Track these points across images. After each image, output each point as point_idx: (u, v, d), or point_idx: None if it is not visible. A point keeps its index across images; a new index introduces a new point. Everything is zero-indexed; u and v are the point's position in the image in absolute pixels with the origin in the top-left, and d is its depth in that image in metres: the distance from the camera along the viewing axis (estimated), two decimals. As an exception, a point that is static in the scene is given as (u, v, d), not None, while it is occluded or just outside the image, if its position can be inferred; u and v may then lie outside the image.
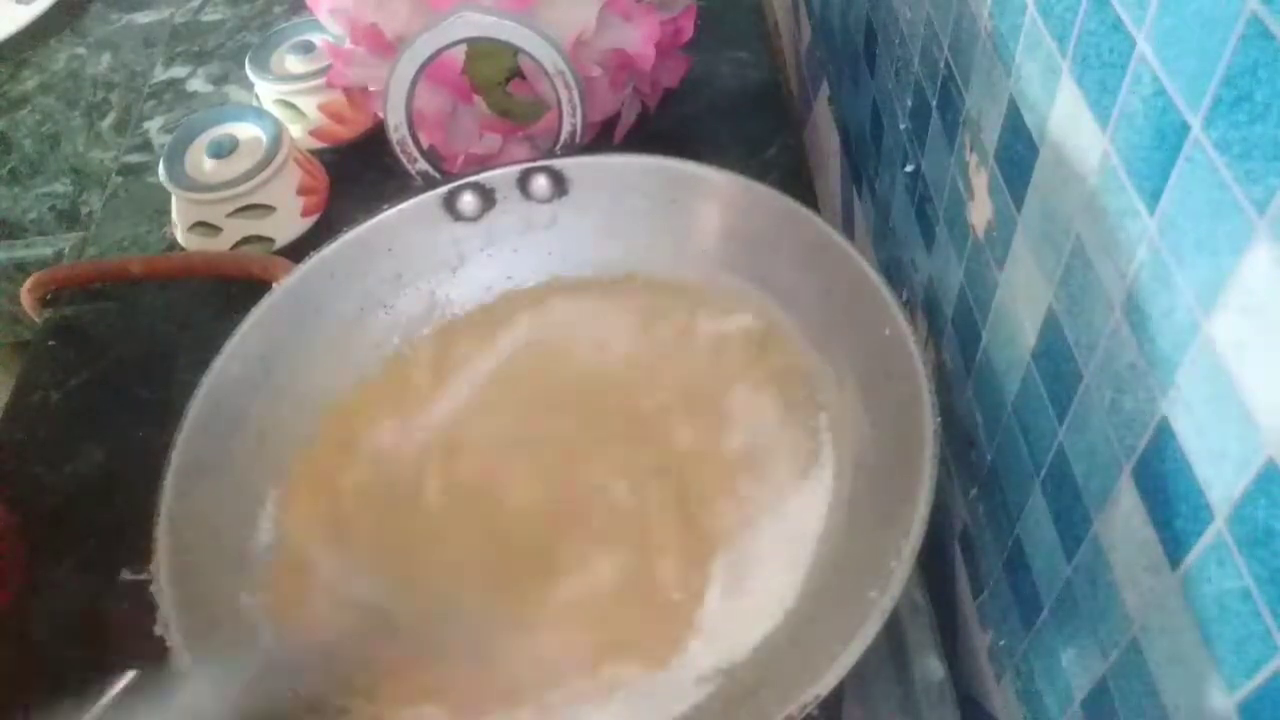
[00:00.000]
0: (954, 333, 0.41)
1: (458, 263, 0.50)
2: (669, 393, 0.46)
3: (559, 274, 0.50)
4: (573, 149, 0.48)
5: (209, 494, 0.40)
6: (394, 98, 0.46)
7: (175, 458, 0.39)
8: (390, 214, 0.48)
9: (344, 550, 0.42)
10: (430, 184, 0.48)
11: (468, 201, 0.49)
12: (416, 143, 0.47)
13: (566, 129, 0.48)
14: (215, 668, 0.34)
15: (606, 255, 0.49)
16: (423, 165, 0.48)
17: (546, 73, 0.46)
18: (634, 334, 0.48)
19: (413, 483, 0.44)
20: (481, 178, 0.48)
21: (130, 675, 0.36)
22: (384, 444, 0.46)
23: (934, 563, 0.45)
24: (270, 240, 0.64)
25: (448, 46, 0.45)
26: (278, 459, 0.44)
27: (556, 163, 0.48)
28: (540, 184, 0.49)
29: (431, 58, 0.45)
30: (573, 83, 0.46)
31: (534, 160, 0.49)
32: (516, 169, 0.48)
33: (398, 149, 0.47)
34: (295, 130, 0.68)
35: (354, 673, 0.38)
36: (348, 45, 0.59)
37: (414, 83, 0.46)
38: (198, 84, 0.78)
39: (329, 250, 0.46)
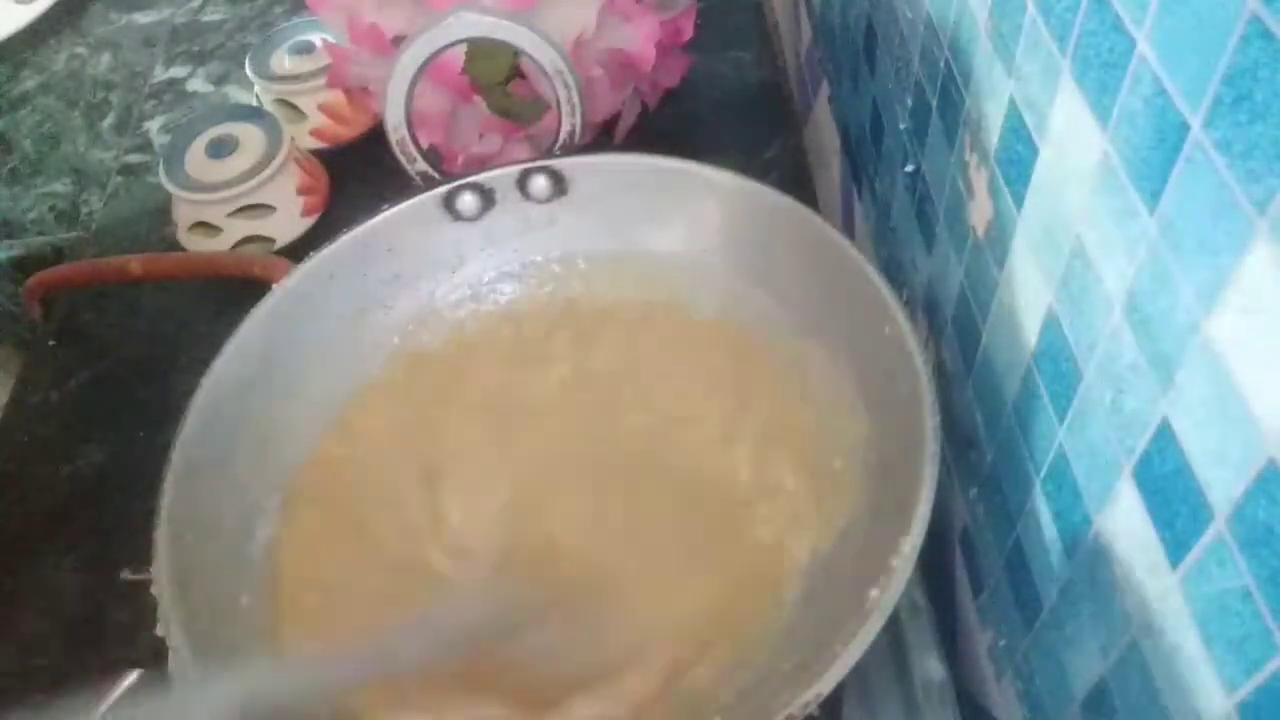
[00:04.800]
0: (954, 333, 0.41)
1: (457, 263, 0.49)
2: (670, 394, 0.46)
3: (560, 274, 0.50)
4: (572, 149, 0.48)
5: (209, 494, 0.40)
6: (393, 98, 0.46)
7: (175, 458, 0.39)
8: (390, 214, 0.48)
9: (345, 554, 0.42)
10: (430, 184, 0.48)
11: (467, 202, 0.49)
12: (416, 143, 0.47)
13: (566, 129, 0.48)
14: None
15: (606, 256, 0.49)
16: (422, 165, 0.48)
17: (546, 73, 0.46)
18: (634, 334, 0.48)
19: (416, 483, 0.44)
20: (481, 178, 0.48)
21: (130, 675, 0.36)
22: (386, 444, 0.46)
23: (934, 563, 0.45)
24: (270, 240, 0.64)
25: (447, 46, 0.45)
26: (278, 459, 0.44)
27: (556, 163, 0.48)
28: (540, 184, 0.49)
29: (431, 58, 0.45)
30: (572, 83, 0.46)
31: (534, 160, 0.49)
32: (516, 169, 0.48)
33: (397, 149, 0.47)
34: (295, 130, 0.68)
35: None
36: (348, 45, 0.59)
37: (414, 83, 0.46)
38: (198, 84, 0.78)
39: (329, 250, 0.46)
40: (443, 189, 0.48)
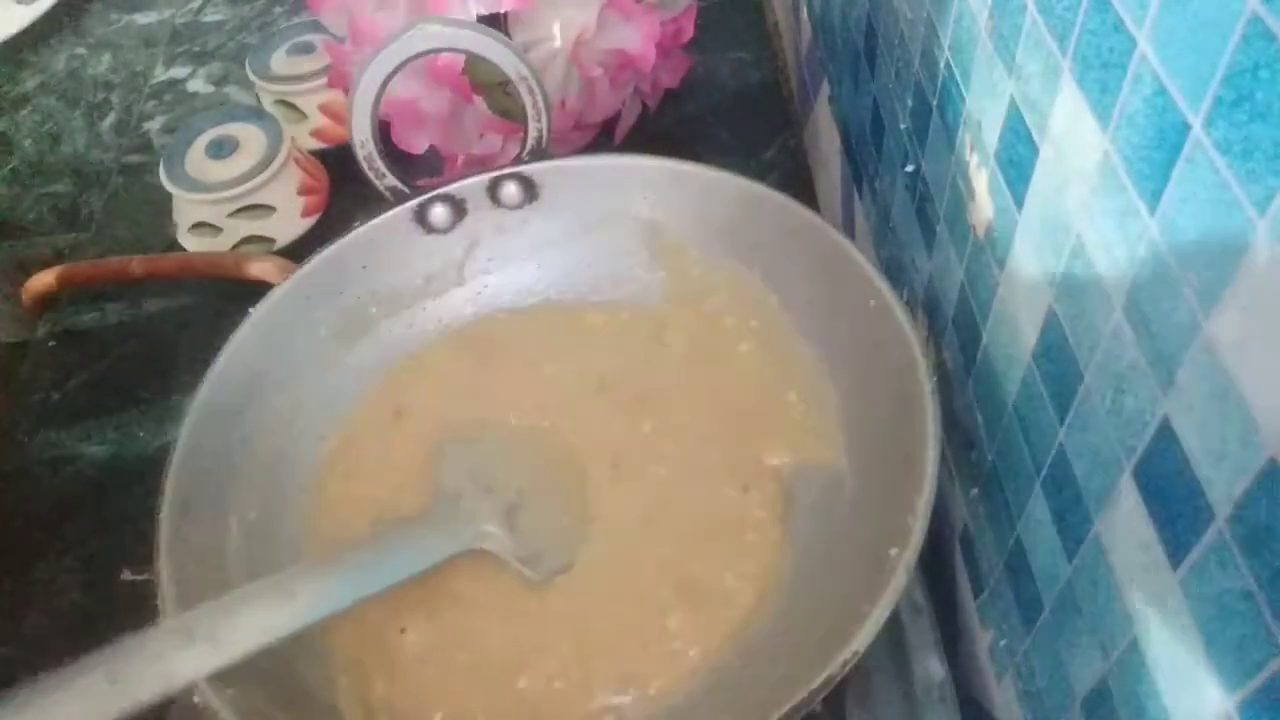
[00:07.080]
0: (954, 333, 0.41)
1: (434, 275, 0.49)
2: (667, 395, 0.46)
3: (538, 279, 0.50)
4: (540, 154, 0.48)
5: (209, 494, 0.40)
6: (359, 114, 0.45)
7: (175, 459, 0.39)
8: (361, 231, 0.47)
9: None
10: (400, 198, 0.48)
11: (439, 213, 0.48)
12: (384, 158, 0.47)
13: (533, 134, 0.47)
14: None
15: (583, 258, 0.49)
16: (391, 180, 0.47)
17: (510, 79, 0.46)
18: (626, 336, 0.48)
19: (416, 488, 0.44)
20: (451, 189, 0.48)
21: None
22: (382, 446, 0.46)
23: (934, 563, 0.45)
24: (270, 240, 0.64)
25: (408, 61, 0.45)
26: (278, 461, 0.44)
27: (525, 169, 0.48)
28: (510, 191, 0.48)
29: (393, 73, 0.45)
30: (537, 88, 0.46)
31: (502, 168, 0.48)
32: (485, 177, 0.48)
33: (364, 165, 0.47)
34: (295, 130, 0.68)
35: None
36: (348, 45, 0.59)
37: (379, 99, 0.45)
38: (198, 84, 0.78)
39: (301, 272, 0.46)
40: (413, 202, 0.48)
